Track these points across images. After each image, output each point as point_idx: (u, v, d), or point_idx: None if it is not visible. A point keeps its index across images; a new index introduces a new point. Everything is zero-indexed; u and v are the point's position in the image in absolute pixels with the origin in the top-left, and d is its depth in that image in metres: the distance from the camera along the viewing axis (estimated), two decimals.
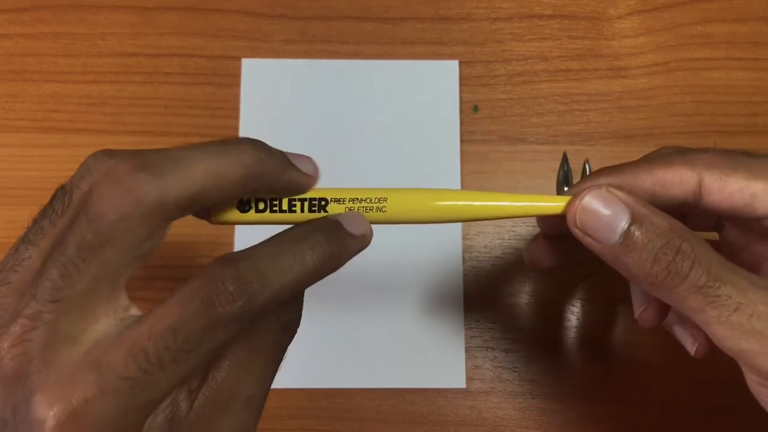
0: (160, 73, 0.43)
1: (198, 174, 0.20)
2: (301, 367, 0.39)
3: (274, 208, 0.24)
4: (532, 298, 0.40)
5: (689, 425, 0.39)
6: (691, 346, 0.30)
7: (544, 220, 0.29)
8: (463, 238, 0.41)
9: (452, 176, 0.41)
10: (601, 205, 0.23)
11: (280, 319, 0.22)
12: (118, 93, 0.43)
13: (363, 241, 0.23)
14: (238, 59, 0.43)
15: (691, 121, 0.42)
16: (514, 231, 0.41)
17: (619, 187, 0.24)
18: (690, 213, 0.28)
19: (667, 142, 0.42)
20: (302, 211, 0.24)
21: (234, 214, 0.24)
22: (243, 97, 0.43)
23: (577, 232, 0.24)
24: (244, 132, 0.42)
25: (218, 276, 0.19)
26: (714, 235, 0.29)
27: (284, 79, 0.43)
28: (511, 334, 0.40)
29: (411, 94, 0.43)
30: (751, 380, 0.23)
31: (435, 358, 0.39)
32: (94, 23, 0.44)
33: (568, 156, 0.42)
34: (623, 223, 0.22)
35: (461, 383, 0.39)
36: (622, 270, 0.23)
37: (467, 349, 0.40)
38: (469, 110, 0.43)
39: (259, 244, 0.21)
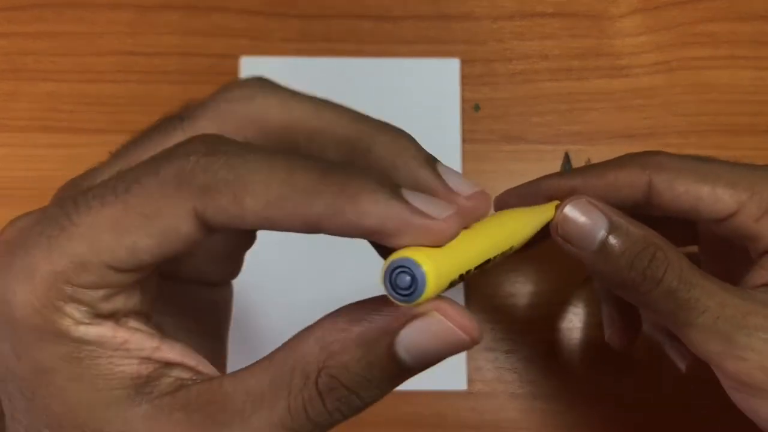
0: (159, 72, 0.43)
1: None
2: None
3: None
4: (533, 299, 0.40)
5: (692, 426, 0.38)
6: (681, 363, 0.31)
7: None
8: None
9: None
10: (580, 214, 0.24)
11: (319, 381, 0.19)
12: (117, 92, 0.43)
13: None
14: (237, 57, 0.43)
15: (693, 121, 0.42)
16: None
17: (572, 191, 0.25)
18: (668, 225, 0.28)
19: (670, 142, 0.42)
20: None
21: None
22: None
23: (558, 240, 0.24)
24: None
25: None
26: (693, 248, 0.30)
27: (284, 77, 0.42)
28: (512, 335, 0.40)
29: (411, 93, 0.43)
30: (725, 384, 0.23)
31: None
32: (92, 22, 0.44)
33: (570, 156, 0.42)
34: (602, 232, 0.23)
35: (462, 385, 0.39)
36: (599, 275, 0.24)
37: (468, 351, 0.39)
38: (471, 109, 0.42)
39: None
